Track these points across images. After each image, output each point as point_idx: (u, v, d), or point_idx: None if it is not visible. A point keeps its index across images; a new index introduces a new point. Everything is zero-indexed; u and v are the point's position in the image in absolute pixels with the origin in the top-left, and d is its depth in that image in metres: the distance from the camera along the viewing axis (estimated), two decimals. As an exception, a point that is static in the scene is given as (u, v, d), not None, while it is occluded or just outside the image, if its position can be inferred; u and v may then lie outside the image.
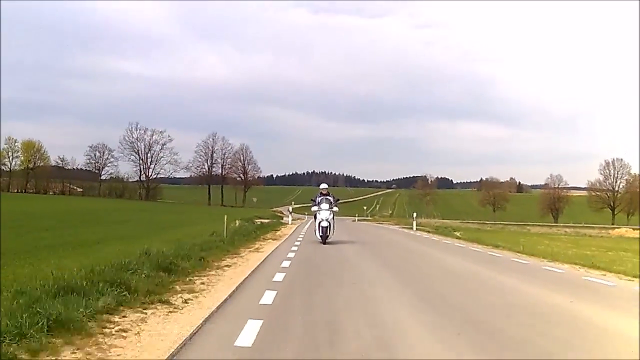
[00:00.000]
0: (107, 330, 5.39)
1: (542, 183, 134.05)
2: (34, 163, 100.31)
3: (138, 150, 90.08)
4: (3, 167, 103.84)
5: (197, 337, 5.40)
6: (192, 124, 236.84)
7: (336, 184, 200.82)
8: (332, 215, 19.35)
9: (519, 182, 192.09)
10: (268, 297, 7.49)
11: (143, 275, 7.86)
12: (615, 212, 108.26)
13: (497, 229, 50.14)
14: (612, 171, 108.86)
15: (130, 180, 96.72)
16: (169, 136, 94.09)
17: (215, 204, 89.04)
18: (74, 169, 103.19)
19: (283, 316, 6.39)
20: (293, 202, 63.27)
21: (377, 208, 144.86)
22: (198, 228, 24.12)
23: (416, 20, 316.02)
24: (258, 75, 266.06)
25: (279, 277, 9.63)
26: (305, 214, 57.47)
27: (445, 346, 5.17)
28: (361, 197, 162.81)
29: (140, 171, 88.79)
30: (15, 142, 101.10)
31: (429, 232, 32.48)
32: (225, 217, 20.11)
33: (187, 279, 8.97)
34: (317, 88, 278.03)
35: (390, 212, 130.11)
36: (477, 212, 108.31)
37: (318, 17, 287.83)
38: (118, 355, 4.69)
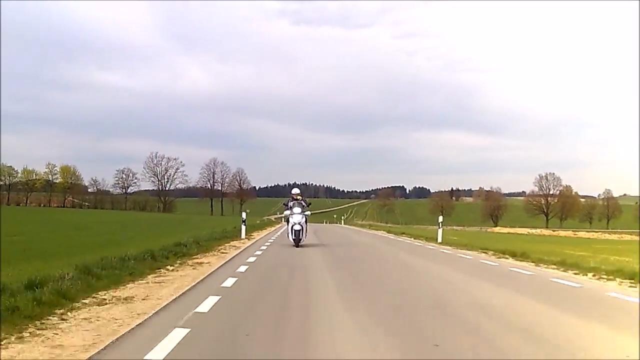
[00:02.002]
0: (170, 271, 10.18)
1: (520, 191, 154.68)
2: (71, 183, 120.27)
3: (157, 173, 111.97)
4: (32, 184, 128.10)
5: (201, 281, 8.86)
6: (175, 135, 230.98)
7: (317, 195, 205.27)
8: (304, 219, 19.17)
9: (452, 188, 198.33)
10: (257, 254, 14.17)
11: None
12: (549, 217, 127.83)
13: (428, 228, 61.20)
14: (545, 183, 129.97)
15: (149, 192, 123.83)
16: (181, 162, 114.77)
17: (216, 214, 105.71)
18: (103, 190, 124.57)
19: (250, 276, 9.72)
20: (277, 212, 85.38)
21: (351, 216, 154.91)
22: (208, 229, 27.62)
23: (400, 30, 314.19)
24: (241, 87, 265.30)
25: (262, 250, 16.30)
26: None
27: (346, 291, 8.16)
28: (337, 207, 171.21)
29: (159, 189, 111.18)
30: (54, 166, 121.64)
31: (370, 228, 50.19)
32: (244, 214, 24.27)
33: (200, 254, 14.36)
34: (301, 99, 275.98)
35: (362, 220, 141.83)
36: (431, 219, 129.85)
37: (301, 29, 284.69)
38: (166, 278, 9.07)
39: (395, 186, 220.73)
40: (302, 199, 19.96)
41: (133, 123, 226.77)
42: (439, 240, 23.34)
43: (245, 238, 22.60)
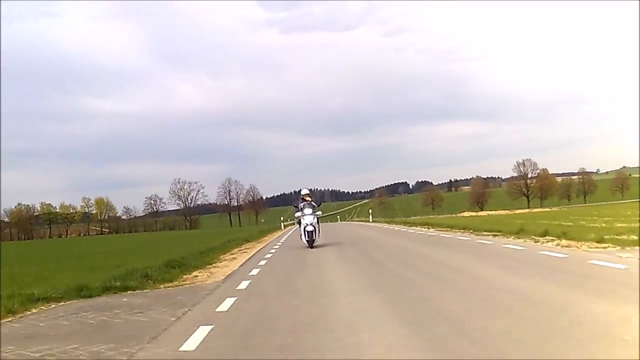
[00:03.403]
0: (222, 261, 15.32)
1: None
2: (107, 214, 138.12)
3: (181, 196, 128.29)
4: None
5: (238, 269, 12.84)
6: (173, 154, 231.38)
7: (322, 199, 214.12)
8: (316, 219, 18.82)
9: (450, 180, 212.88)
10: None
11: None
12: (530, 199, 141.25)
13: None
14: (522, 168, 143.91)
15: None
16: (201, 184, 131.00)
17: (235, 226, 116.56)
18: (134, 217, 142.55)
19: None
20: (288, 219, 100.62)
21: (355, 216, 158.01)
22: (230, 236, 32.54)
23: (387, 27, 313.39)
24: (234, 100, 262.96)
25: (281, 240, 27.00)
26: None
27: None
28: (341, 210, 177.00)
29: (185, 209, 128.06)
30: (89, 199, 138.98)
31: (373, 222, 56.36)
32: (261, 220, 36.08)
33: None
34: (295, 106, 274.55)
35: (365, 217, 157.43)
36: (426, 211, 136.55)
37: (289, 37, 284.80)
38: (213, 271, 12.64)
39: (398, 182, 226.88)
40: (311, 200, 19.43)
41: (130, 146, 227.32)
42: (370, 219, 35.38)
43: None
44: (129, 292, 9.84)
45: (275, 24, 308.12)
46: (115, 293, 9.70)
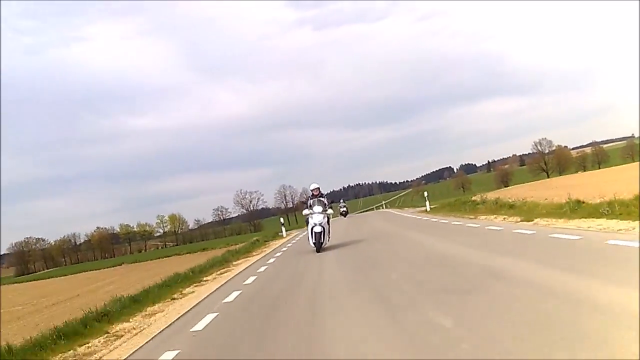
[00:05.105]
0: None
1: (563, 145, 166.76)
2: (180, 227, 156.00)
3: (244, 205, 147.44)
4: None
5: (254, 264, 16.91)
6: (217, 163, 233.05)
7: (371, 192, 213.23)
8: (326, 219, 16.79)
9: (488, 161, 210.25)
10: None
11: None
12: (549, 175, 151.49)
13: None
14: (539, 147, 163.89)
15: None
16: (261, 193, 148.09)
17: (292, 226, 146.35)
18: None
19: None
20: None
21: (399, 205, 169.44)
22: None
23: (417, 14, 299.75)
24: (274, 102, 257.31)
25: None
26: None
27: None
28: (386, 201, 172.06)
29: (249, 214, 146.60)
30: (163, 216, 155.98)
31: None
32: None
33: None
34: (335, 101, 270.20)
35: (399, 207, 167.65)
36: (459, 194, 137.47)
37: (322, 33, 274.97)
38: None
39: (443, 168, 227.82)
40: (321, 195, 17.45)
41: (173, 160, 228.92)
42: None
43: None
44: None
45: (306, 22, 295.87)
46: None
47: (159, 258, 53.10)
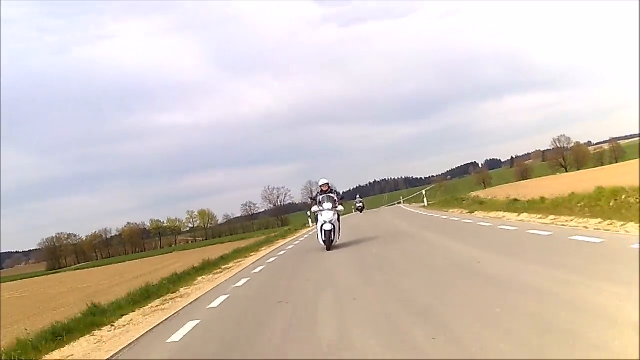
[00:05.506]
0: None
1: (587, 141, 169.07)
2: (209, 223, 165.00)
3: (271, 201, 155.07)
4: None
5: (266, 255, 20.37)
6: (245, 159, 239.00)
7: (397, 187, 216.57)
8: (336, 216, 16.18)
9: (512, 157, 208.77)
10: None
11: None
12: (568, 170, 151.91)
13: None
14: (558, 144, 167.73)
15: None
16: (288, 189, 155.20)
17: None
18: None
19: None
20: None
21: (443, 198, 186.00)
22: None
23: (441, 10, 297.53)
24: (301, 97, 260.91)
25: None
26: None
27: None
28: (412, 196, 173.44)
29: (276, 209, 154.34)
30: (193, 212, 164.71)
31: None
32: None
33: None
34: (362, 96, 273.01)
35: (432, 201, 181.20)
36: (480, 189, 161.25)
37: (349, 29, 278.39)
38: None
39: (468, 163, 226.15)
40: (331, 190, 16.95)
41: (201, 156, 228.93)
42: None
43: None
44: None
45: (332, 18, 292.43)
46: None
47: (200, 247, 60.42)
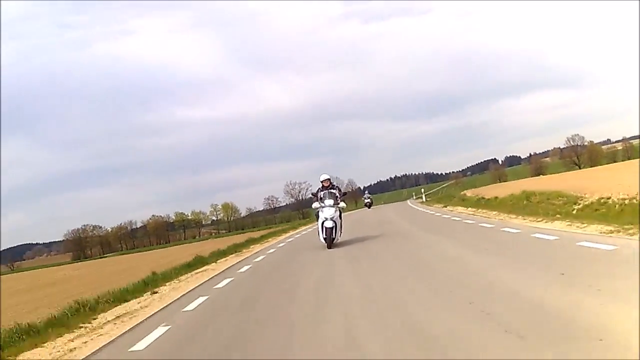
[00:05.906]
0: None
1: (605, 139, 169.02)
2: (232, 216, 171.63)
3: (293, 195, 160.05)
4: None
5: (264, 250, 24.85)
6: (266, 154, 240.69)
7: (417, 183, 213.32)
8: (338, 213, 15.72)
9: (530, 154, 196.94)
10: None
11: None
12: (581, 168, 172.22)
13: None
14: (572, 142, 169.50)
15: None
16: (309, 184, 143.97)
17: None
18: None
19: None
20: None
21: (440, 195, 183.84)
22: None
23: (461, 9, 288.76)
24: (322, 94, 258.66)
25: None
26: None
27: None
28: (430, 191, 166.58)
29: (297, 204, 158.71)
30: (217, 205, 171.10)
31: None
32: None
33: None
34: (382, 93, 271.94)
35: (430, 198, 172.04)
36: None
37: (370, 26, 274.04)
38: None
39: (488, 159, 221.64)
40: (333, 186, 16.53)
41: (223, 151, 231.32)
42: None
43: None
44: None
45: (353, 15, 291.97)
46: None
47: (229, 236, 66.21)
